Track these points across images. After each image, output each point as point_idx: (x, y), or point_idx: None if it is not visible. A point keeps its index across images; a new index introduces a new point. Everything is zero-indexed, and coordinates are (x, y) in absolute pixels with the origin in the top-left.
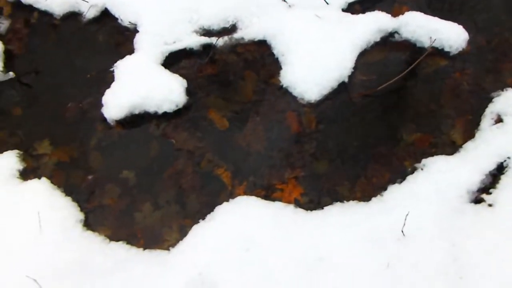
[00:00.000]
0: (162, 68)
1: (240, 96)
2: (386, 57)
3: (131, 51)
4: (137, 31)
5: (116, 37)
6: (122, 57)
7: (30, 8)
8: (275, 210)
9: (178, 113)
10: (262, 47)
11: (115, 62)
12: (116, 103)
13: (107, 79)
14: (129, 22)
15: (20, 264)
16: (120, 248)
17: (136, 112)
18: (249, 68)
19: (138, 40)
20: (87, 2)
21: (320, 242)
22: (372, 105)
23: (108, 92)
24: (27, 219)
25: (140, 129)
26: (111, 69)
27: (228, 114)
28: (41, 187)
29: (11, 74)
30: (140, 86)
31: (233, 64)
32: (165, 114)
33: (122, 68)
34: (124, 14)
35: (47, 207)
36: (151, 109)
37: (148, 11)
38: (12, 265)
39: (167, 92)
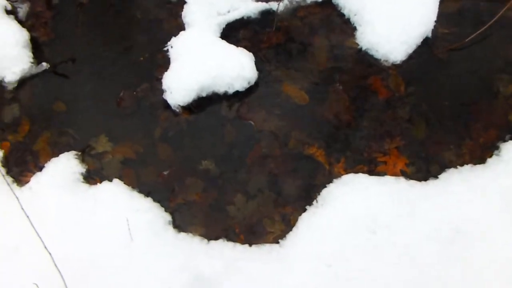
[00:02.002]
0: (225, 42)
1: (314, 65)
2: (462, 7)
3: (178, 26)
4: (185, 2)
5: (156, 12)
6: (168, 33)
7: None
8: (390, 186)
9: (249, 91)
10: (327, 8)
11: (163, 40)
12: (181, 86)
13: (159, 61)
14: None
15: (125, 281)
16: (224, 247)
17: (204, 94)
18: (317, 32)
19: (188, 13)
20: None
21: (450, 214)
22: (459, 59)
23: (168, 75)
24: (111, 227)
25: (210, 112)
26: (165, 48)
27: (305, 86)
28: (117, 189)
29: (45, 65)
30: (207, 64)
31: (298, 30)
32: (236, 93)
33: (179, 46)
34: None
35: (131, 211)
36: (221, 89)
37: None
38: (116, 282)
39: (239, 68)
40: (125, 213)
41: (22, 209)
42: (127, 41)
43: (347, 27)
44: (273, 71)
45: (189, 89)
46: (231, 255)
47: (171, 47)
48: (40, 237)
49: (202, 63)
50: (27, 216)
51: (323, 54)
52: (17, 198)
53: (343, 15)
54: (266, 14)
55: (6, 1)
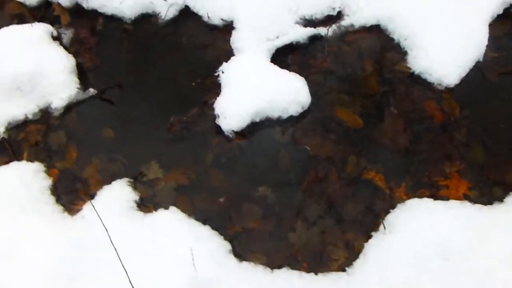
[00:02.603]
0: (277, 67)
1: (365, 89)
2: (510, 30)
3: (226, 51)
4: (233, 28)
5: (202, 38)
6: (215, 59)
7: (94, 13)
8: (456, 210)
9: (303, 116)
10: (375, 32)
11: (210, 66)
12: (236, 111)
13: (208, 86)
14: (221, 19)
15: None
16: (290, 276)
17: (258, 119)
18: (367, 57)
19: (237, 38)
20: (165, 1)
21: None
22: (510, 82)
23: (221, 101)
24: (173, 257)
25: (264, 138)
26: (216, 74)
27: (357, 110)
28: (174, 217)
29: (92, 91)
30: (262, 89)
31: (347, 55)
32: (289, 118)
33: (231, 71)
34: (213, 11)
35: (192, 240)
36: (275, 114)
37: (243, 5)
38: None
39: (294, 93)
40: (185, 242)
41: (111, 241)
42: (173, 67)
43: (397, 51)
44: (324, 96)
45: (244, 114)
46: (299, 284)
47: (222, 72)
48: (125, 271)
49: (256, 88)
50: (115, 249)
51: (374, 78)
52: (106, 229)
53: (392, 39)
54: (314, 39)
55: (52, 28)
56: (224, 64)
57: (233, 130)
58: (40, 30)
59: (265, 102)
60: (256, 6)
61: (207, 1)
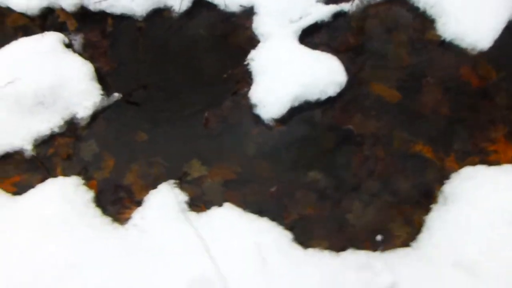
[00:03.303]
0: (308, 48)
1: (397, 62)
2: None
3: (248, 38)
4: (252, 14)
5: (221, 27)
6: (238, 47)
7: (101, 15)
8: None
9: (340, 95)
10: (398, 3)
11: (234, 54)
12: (274, 99)
13: (237, 76)
14: (240, 5)
15: None
16: (358, 257)
17: (296, 104)
18: (394, 29)
19: (260, 24)
20: None
21: None
22: None
23: (257, 89)
24: (240, 253)
25: (304, 122)
26: (245, 62)
27: (393, 83)
28: (230, 213)
29: (117, 95)
30: (298, 73)
31: (373, 29)
32: (327, 99)
33: (262, 58)
34: None
35: (254, 234)
36: (314, 96)
37: None
38: None
39: (331, 73)
40: (248, 236)
41: (207, 252)
42: (195, 60)
43: (424, 20)
44: (358, 73)
45: (283, 101)
46: (370, 263)
47: (252, 60)
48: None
49: (292, 72)
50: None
51: (404, 50)
52: (194, 228)
53: (417, 8)
54: (338, 16)
55: (63, 35)
56: (253, 51)
57: (273, 118)
58: (52, 39)
59: (303, 86)
60: None
61: None
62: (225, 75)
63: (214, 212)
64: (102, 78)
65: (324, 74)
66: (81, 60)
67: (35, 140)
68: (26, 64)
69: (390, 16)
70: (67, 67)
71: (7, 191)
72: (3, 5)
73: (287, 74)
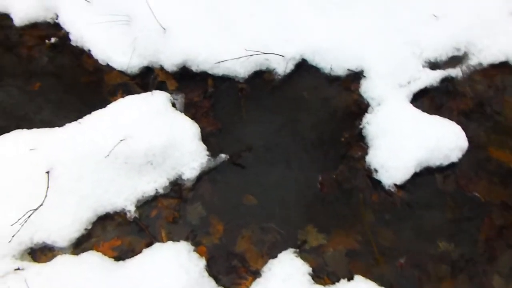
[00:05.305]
0: (424, 113)
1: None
2: None
3: (354, 101)
4: (358, 78)
5: (324, 91)
6: (344, 111)
7: (202, 75)
8: None
9: (459, 161)
10: (505, 68)
11: (341, 118)
12: (397, 164)
13: (350, 139)
14: (348, 69)
15: None
16: None
17: (419, 169)
18: (505, 92)
19: (370, 88)
20: (282, 56)
21: None
22: None
23: (378, 154)
24: None
25: (425, 188)
26: (360, 126)
27: None
28: (363, 286)
29: (223, 156)
30: (423, 138)
31: (482, 93)
32: (449, 165)
33: (380, 122)
34: (338, 62)
35: None
36: (437, 161)
37: (372, 53)
38: None
39: (455, 138)
40: None
41: None
42: (300, 123)
43: None
44: (473, 138)
45: (408, 165)
46: None
47: (367, 123)
48: None
49: (415, 137)
50: None
51: None
52: None
53: None
54: (445, 81)
55: (169, 94)
56: (367, 115)
57: (394, 184)
58: (161, 98)
59: (428, 150)
60: (384, 54)
61: (328, 54)
62: (342, 139)
63: (345, 286)
64: (206, 138)
65: (449, 139)
66: (190, 120)
67: (138, 201)
68: (137, 123)
69: (498, 81)
70: (178, 127)
71: (107, 255)
72: (103, 63)
73: (410, 139)
